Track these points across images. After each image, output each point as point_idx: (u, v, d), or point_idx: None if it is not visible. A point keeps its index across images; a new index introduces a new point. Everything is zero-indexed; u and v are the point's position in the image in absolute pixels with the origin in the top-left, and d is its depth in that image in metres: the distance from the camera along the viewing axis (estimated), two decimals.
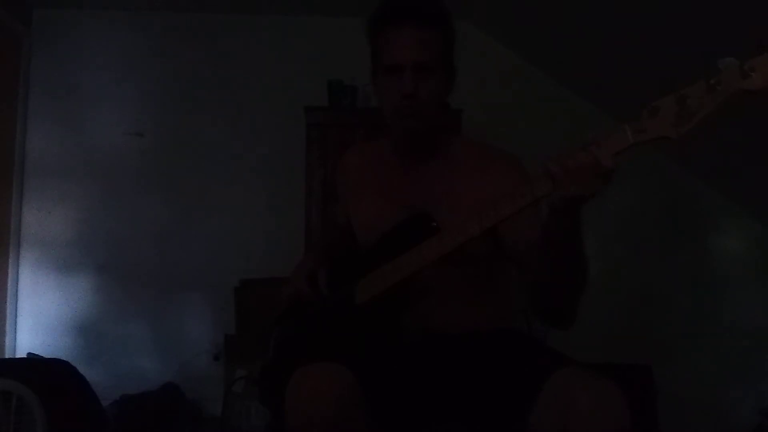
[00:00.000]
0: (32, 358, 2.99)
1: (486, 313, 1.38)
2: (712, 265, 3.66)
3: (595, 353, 2.53)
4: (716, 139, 3.01)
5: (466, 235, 1.18)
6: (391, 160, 1.47)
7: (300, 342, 1.49)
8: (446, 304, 1.35)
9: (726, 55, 0.91)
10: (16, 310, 3.41)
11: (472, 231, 1.17)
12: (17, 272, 3.44)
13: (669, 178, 3.67)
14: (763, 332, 3.52)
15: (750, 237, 3.68)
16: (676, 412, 3.18)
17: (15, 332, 3.39)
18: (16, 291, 3.43)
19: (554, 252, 1.14)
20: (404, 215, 1.35)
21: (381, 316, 1.33)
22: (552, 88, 3.71)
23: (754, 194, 3.47)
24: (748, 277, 3.63)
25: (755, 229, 3.65)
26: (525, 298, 1.28)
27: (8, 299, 3.36)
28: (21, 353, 3.30)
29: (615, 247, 3.46)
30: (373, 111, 3.18)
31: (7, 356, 3.27)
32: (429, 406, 1.25)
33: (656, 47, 2.79)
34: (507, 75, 3.71)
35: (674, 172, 3.66)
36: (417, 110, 1.32)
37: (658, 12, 2.63)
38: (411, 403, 1.26)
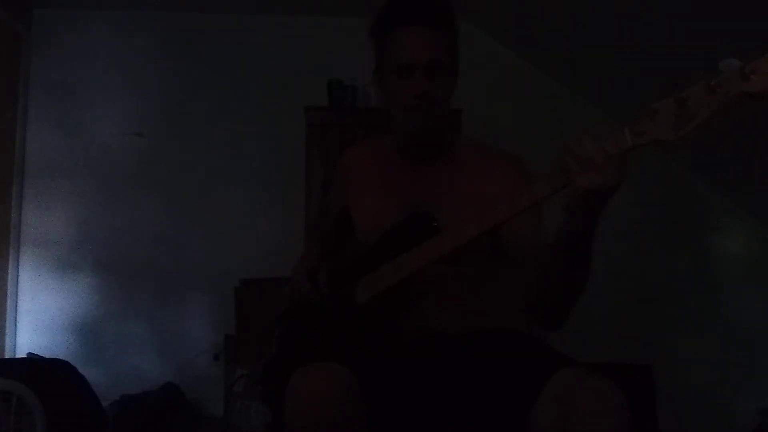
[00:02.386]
0: (32, 358, 2.99)
1: (486, 313, 1.38)
2: (712, 265, 3.66)
3: (595, 353, 2.53)
4: (717, 139, 3.01)
5: (465, 235, 1.18)
6: (393, 158, 1.46)
7: (302, 341, 1.50)
8: (446, 304, 1.35)
9: (728, 55, 0.90)
10: (16, 310, 3.41)
11: (472, 232, 1.17)
12: (17, 272, 3.43)
13: (669, 178, 3.67)
14: (763, 332, 3.52)
15: (750, 237, 3.67)
16: (676, 412, 3.18)
17: (15, 332, 3.39)
18: (16, 291, 3.42)
19: (562, 254, 1.12)
20: (405, 215, 1.34)
21: (381, 316, 1.33)
22: (552, 88, 3.71)
23: (754, 194, 3.46)
24: (748, 277, 3.63)
25: (755, 229, 3.65)
26: (522, 298, 1.28)
27: (8, 299, 3.36)
28: (21, 353, 3.30)
29: (615, 247, 3.45)
30: (373, 111, 3.20)
31: (7, 356, 3.27)
32: (429, 406, 1.25)
33: (657, 47, 2.79)
34: (507, 75, 3.71)
35: (674, 172, 3.66)
36: (429, 109, 1.32)
37: (659, 12, 2.63)
38: (411, 403, 1.25)
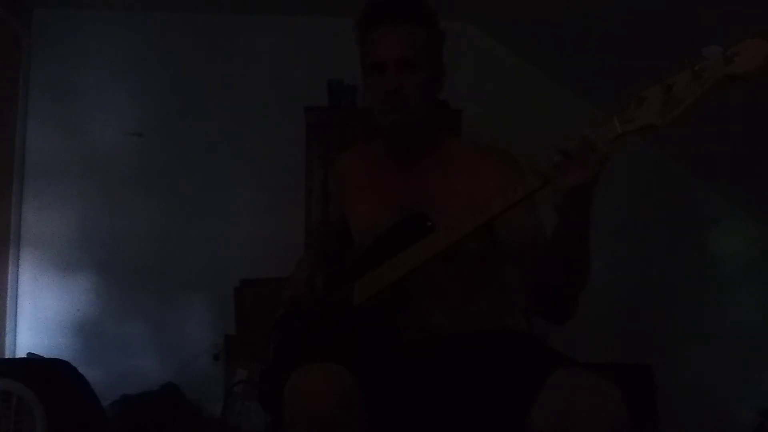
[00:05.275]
0: (32, 358, 2.99)
1: (485, 312, 1.38)
2: (712, 265, 3.66)
3: (595, 353, 2.53)
4: (716, 139, 3.01)
5: (460, 232, 1.19)
6: (385, 160, 1.47)
7: (299, 344, 1.49)
8: (445, 303, 1.35)
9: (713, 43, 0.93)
10: (16, 310, 3.41)
11: (466, 228, 1.18)
12: (17, 272, 3.43)
13: (669, 178, 3.67)
14: (763, 332, 3.52)
15: (750, 237, 3.67)
16: (676, 412, 3.18)
17: (15, 332, 3.39)
18: (16, 291, 3.43)
19: (563, 253, 1.14)
20: (398, 216, 1.35)
21: (378, 317, 1.33)
22: (552, 88, 3.71)
23: (754, 194, 3.46)
24: (748, 277, 3.63)
25: (755, 229, 3.65)
26: (524, 295, 1.28)
27: (8, 299, 3.36)
28: (21, 353, 3.30)
29: (615, 247, 3.46)
30: (373, 111, 3.20)
31: (7, 356, 3.27)
32: (428, 406, 1.25)
33: (657, 47, 2.79)
34: (507, 75, 3.71)
35: (674, 172, 3.66)
36: (401, 105, 1.34)
37: (659, 11, 2.63)
38: (410, 402, 1.25)
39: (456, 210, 1.23)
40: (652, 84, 0.98)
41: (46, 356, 2.96)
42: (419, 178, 1.41)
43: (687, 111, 0.95)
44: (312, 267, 1.55)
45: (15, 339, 3.38)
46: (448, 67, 1.43)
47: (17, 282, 3.43)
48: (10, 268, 3.39)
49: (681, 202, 3.67)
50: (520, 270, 1.31)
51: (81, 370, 2.71)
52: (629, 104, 1.00)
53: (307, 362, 1.17)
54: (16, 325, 3.40)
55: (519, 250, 1.28)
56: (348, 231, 1.54)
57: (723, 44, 0.93)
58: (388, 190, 1.44)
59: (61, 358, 2.84)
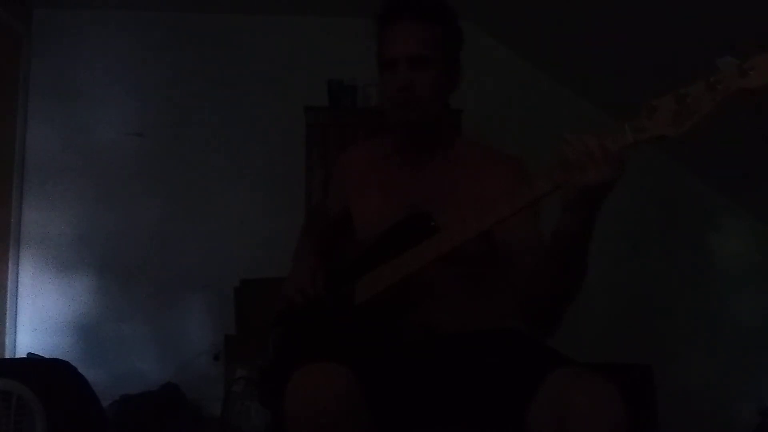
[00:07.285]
0: (32, 358, 2.99)
1: (485, 313, 1.38)
2: (712, 265, 3.66)
3: (595, 353, 2.53)
4: (717, 139, 3.01)
5: (464, 235, 1.18)
6: (393, 157, 1.47)
7: (299, 343, 1.49)
8: (446, 303, 1.35)
9: (725, 53, 0.92)
10: (16, 310, 3.41)
11: (471, 231, 1.17)
12: (17, 272, 3.44)
13: (669, 178, 3.67)
14: (763, 332, 3.52)
15: (750, 237, 3.68)
16: (676, 412, 3.18)
17: (15, 332, 3.39)
18: (16, 291, 3.43)
19: (560, 255, 1.13)
20: (403, 214, 1.34)
21: (380, 316, 1.33)
22: (552, 88, 3.71)
23: (754, 194, 3.47)
24: (748, 277, 3.63)
25: (755, 229, 3.65)
26: (515, 300, 1.28)
27: (8, 299, 3.36)
28: (21, 353, 3.30)
29: (615, 247, 3.46)
30: (373, 111, 3.21)
31: (7, 356, 3.27)
32: (428, 406, 1.25)
33: (657, 47, 2.79)
34: (507, 75, 3.71)
35: (674, 172, 3.66)
36: (412, 101, 1.33)
37: (660, 12, 2.63)
38: (410, 402, 1.25)
39: (461, 211, 1.22)
40: (665, 93, 0.97)
41: (46, 356, 2.96)
42: (427, 177, 1.40)
43: (700, 122, 0.94)
44: (314, 264, 1.54)
45: (15, 339, 3.38)
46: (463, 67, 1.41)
47: (17, 282, 3.43)
48: (10, 268, 3.39)
49: (681, 202, 3.67)
50: (512, 275, 1.30)
51: (81, 370, 2.70)
52: (640, 113, 0.99)
53: (309, 362, 1.17)
54: (16, 325, 3.40)
55: (514, 256, 1.28)
56: (346, 223, 1.53)
57: (722, 48, 0.93)
58: (395, 187, 1.43)
59: (61, 358, 2.84)
